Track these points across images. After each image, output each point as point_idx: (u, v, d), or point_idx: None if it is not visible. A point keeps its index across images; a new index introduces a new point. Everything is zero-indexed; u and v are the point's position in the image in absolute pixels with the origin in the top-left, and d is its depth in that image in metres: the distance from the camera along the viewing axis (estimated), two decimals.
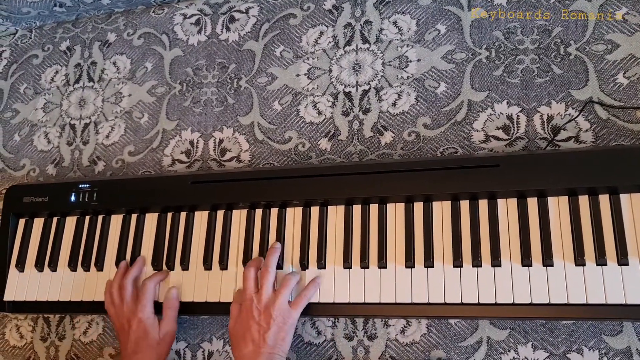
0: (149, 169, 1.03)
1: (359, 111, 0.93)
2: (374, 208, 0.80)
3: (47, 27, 1.23)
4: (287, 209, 0.84)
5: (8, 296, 0.93)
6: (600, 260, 0.69)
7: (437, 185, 0.77)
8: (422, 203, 0.79)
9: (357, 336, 0.84)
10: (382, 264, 0.77)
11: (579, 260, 0.70)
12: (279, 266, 0.81)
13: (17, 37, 1.23)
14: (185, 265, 0.86)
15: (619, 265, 0.69)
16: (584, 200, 0.73)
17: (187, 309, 0.85)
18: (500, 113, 0.86)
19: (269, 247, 0.82)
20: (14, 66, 1.21)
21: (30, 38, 1.22)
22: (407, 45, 0.94)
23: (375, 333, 0.83)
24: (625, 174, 0.71)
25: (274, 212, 0.84)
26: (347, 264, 0.78)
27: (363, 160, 0.90)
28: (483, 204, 0.76)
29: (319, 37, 1.00)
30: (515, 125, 0.85)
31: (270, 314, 0.75)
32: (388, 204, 0.80)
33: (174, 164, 1.01)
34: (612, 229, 0.70)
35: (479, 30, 0.91)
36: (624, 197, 0.71)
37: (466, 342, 0.79)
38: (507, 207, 0.75)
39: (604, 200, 0.72)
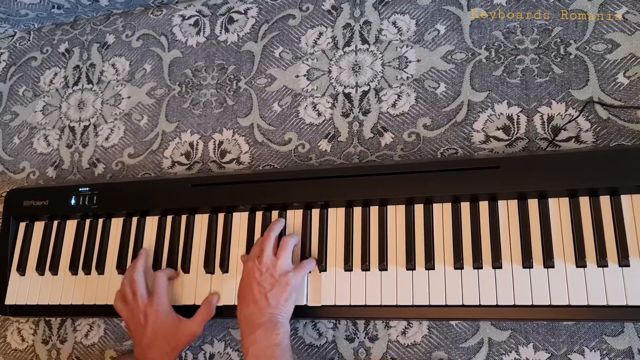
0: (149, 171, 1.02)
1: (358, 112, 0.93)
2: (374, 210, 0.80)
3: (45, 29, 1.22)
4: (288, 211, 0.84)
5: (9, 300, 0.93)
6: (601, 262, 0.69)
7: (438, 187, 0.77)
8: (422, 205, 0.78)
9: (358, 338, 0.84)
10: (382, 266, 0.77)
11: (580, 262, 0.70)
12: None
13: (16, 39, 1.23)
14: (186, 269, 0.86)
15: (620, 266, 0.69)
16: (584, 202, 0.72)
17: (189, 312, 0.84)
18: (501, 113, 0.86)
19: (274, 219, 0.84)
20: (12, 68, 1.21)
21: (29, 40, 1.22)
22: (407, 46, 0.94)
23: (377, 334, 0.83)
24: (626, 175, 0.70)
25: (275, 214, 0.84)
26: (348, 267, 0.78)
27: (363, 161, 0.90)
28: (483, 206, 0.76)
29: (318, 38, 0.99)
30: (516, 126, 0.85)
31: (272, 274, 0.75)
32: (388, 206, 0.80)
33: (174, 166, 1.01)
34: (613, 230, 0.70)
35: (478, 30, 0.91)
36: (624, 198, 0.71)
37: (467, 343, 0.79)
38: (507, 209, 0.75)
39: (605, 201, 0.72)
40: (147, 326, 0.79)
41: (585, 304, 0.69)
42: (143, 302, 0.81)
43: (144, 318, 0.80)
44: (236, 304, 0.78)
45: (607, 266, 0.69)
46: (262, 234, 0.84)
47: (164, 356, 0.79)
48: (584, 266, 0.70)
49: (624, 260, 0.68)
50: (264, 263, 0.77)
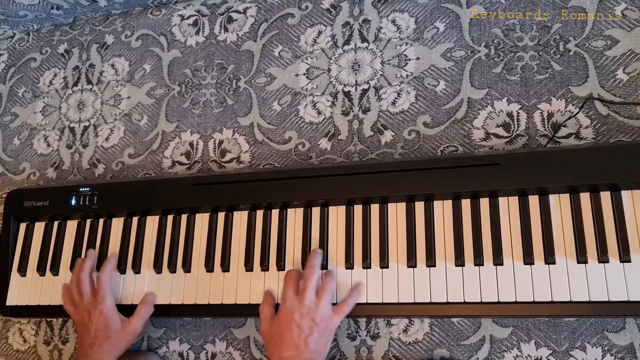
0: (149, 171, 1.02)
1: (358, 110, 0.93)
2: (375, 208, 0.80)
3: (44, 29, 1.22)
4: (288, 210, 0.84)
5: (11, 301, 0.93)
6: (603, 258, 0.69)
7: (438, 184, 0.77)
8: (423, 202, 0.78)
9: (360, 336, 0.84)
10: (384, 264, 0.77)
11: (581, 258, 0.70)
12: (281, 267, 0.81)
13: (15, 41, 1.23)
14: (187, 268, 0.86)
15: (621, 262, 0.69)
16: (585, 198, 0.72)
17: (190, 311, 0.85)
18: (500, 110, 0.86)
19: (311, 251, 0.80)
20: (12, 69, 1.21)
21: (28, 41, 1.22)
22: (406, 44, 0.94)
23: (378, 332, 0.83)
24: (626, 171, 0.70)
25: (275, 213, 0.84)
26: (349, 265, 0.78)
27: (363, 159, 0.90)
28: (484, 203, 0.76)
29: (318, 37, 0.99)
30: (516, 123, 0.85)
31: (313, 318, 0.73)
32: (389, 204, 0.80)
33: (174, 165, 1.01)
34: (614, 226, 0.70)
35: (477, 28, 0.91)
36: (625, 194, 0.71)
37: (469, 340, 0.79)
38: (508, 206, 0.75)
39: (606, 197, 0.72)
40: (91, 325, 0.80)
41: (587, 300, 0.69)
42: (87, 301, 0.82)
43: (87, 317, 0.81)
44: (238, 302, 0.78)
45: (608, 262, 0.69)
46: (262, 233, 0.84)
47: (105, 355, 0.79)
48: (585, 262, 0.70)
49: (625, 255, 0.68)
50: (305, 305, 0.73)
